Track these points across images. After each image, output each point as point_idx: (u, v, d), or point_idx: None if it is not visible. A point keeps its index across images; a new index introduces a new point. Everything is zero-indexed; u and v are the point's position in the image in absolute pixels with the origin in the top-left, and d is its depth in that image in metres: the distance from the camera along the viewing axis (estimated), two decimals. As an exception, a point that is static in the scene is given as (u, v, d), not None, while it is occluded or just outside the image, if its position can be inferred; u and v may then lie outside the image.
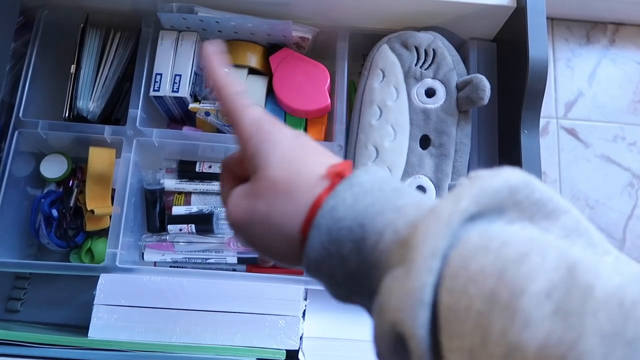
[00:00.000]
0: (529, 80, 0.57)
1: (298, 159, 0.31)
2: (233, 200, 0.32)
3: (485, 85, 0.55)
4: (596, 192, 0.82)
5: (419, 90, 0.58)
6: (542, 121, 0.81)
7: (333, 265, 0.28)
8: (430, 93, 0.58)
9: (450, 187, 0.55)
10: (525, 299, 0.20)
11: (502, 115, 0.64)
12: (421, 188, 0.55)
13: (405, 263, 0.24)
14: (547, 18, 0.86)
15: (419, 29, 0.63)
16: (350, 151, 0.59)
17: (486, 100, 0.55)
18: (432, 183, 0.54)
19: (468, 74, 0.66)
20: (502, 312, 0.20)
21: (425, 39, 0.60)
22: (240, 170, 0.35)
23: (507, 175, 0.25)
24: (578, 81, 0.87)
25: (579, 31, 0.89)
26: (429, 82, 0.58)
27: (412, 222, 0.26)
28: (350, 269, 0.28)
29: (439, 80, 0.58)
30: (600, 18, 0.89)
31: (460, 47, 0.70)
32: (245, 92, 0.35)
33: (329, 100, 0.63)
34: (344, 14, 0.64)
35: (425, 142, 0.57)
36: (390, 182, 0.30)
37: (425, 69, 0.59)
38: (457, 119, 0.57)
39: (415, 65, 0.59)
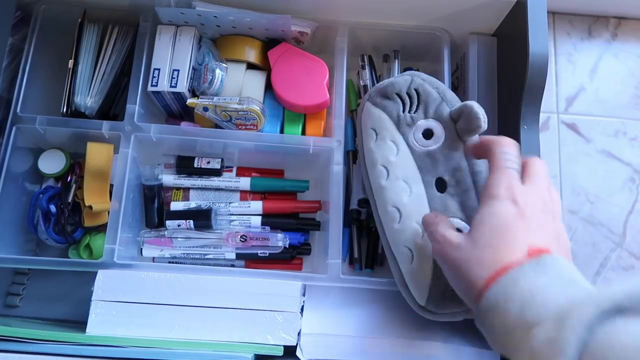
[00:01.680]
0: (529, 75, 0.56)
1: (508, 233, 0.41)
2: (444, 242, 0.44)
3: (477, 112, 0.51)
4: (597, 187, 0.82)
5: (416, 135, 0.54)
6: (542, 116, 0.80)
7: (496, 314, 0.37)
8: (428, 134, 0.55)
9: None
10: None
11: (501, 111, 0.63)
12: (457, 231, 0.52)
13: (555, 326, 0.32)
14: (549, 12, 0.85)
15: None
16: (375, 217, 0.56)
17: (485, 126, 0.52)
18: (464, 222, 0.51)
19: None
20: None
21: (403, 82, 0.56)
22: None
23: None
24: (579, 76, 0.86)
25: (581, 25, 0.89)
26: (423, 123, 0.55)
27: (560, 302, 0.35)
28: (508, 321, 0.36)
29: (432, 118, 0.55)
30: (603, 12, 0.88)
31: (460, 44, 0.70)
32: (515, 154, 0.46)
33: (328, 96, 0.63)
34: (343, 9, 0.64)
35: (441, 184, 0.53)
36: (570, 273, 0.38)
37: (414, 113, 0.55)
38: (464, 151, 0.54)
39: (403, 112, 0.55)
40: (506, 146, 0.46)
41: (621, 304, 0.30)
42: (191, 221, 0.62)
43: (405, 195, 0.53)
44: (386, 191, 0.54)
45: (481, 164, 0.53)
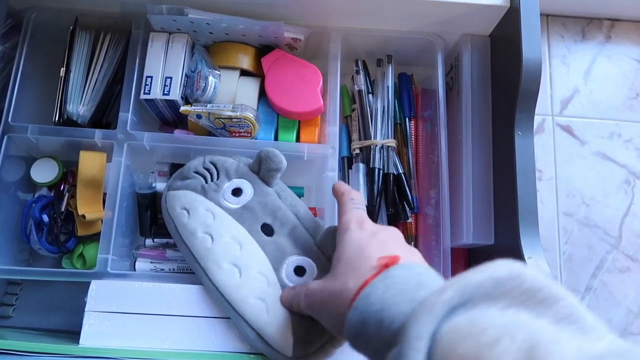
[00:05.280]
0: (522, 80, 0.56)
1: (363, 254, 0.41)
2: (309, 293, 0.45)
3: (273, 153, 0.55)
4: (592, 190, 0.82)
5: (226, 196, 0.55)
6: (537, 118, 0.80)
7: (364, 342, 0.37)
8: (237, 192, 0.56)
9: (318, 246, 0.54)
10: None
11: (495, 116, 0.63)
12: (299, 268, 0.52)
13: (398, 344, 0.31)
14: (542, 14, 0.85)
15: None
16: (209, 287, 0.53)
17: (285, 163, 0.55)
18: (303, 256, 0.53)
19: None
20: None
21: (197, 162, 0.57)
22: None
23: (492, 269, 0.31)
24: (574, 78, 0.87)
25: (575, 27, 0.89)
26: (229, 185, 0.56)
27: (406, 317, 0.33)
28: (374, 346, 0.36)
29: (235, 178, 0.56)
30: (596, 14, 0.89)
31: (453, 44, 0.70)
32: (360, 199, 0.50)
33: (322, 102, 0.62)
34: (336, 15, 0.64)
35: (267, 229, 0.54)
36: (418, 276, 0.37)
37: (217, 180, 0.56)
38: (276, 192, 0.56)
39: (206, 182, 0.56)
40: (352, 193, 0.50)
41: (454, 303, 0.30)
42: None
43: (237, 250, 0.53)
44: (215, 253, 0.52)
45: (295, 200, 0.57)
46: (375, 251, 0.41)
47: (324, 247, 0.53)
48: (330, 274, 0.44)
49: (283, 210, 0.55)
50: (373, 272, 0.39)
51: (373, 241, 0.42)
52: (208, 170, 0.57)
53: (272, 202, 0.55)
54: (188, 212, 0.55)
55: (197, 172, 0.57)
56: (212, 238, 0.53)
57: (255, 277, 0.51)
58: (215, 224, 0.54)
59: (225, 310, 0.51)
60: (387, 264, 0.39)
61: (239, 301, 0.50)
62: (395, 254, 0.40)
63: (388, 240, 0.43)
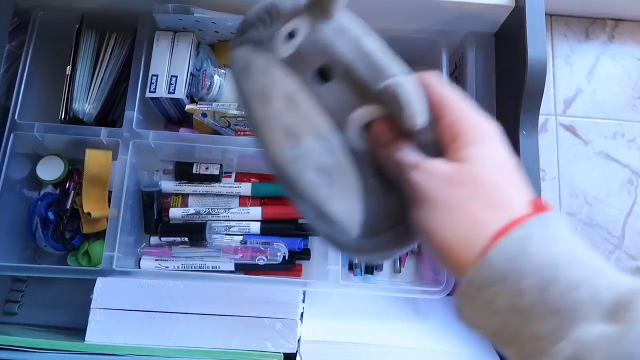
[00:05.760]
0: (527, 80, 0.56)
1: (508, 175, 0.31)
2: (432, 169, 0.32)
3: None
4: (595, 190, 0.82)
5: (279, 44, 0.43)
6: (541, 119, 0.80)
7: (501, 291, 0.28)
8: (292, 35, 0.43)
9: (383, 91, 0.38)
10: None
11: (500, 115, 0.63)
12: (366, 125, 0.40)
13: (621, 324, 0.24)
14: (546, 14, 0.85)
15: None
16: (265, 157, 0.43)
17: None
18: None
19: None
20: None
21: (253, 11, 0.44)
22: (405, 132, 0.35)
23: None
24: (577, 78, 0.87)
25: (578, 28, 0.89)
26: (283, 29, 0.42)
27: (618, 289, 0.26)
28: (520, 304, 0.27)
29: (291, 20, 0.42)
30: (600, 14, 0.89)
31: (458, 44, 0.70)
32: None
33: (327, 101, 0.62)
34: (341, 14, 0.64)
35: (324, 74, 0.42)
36: (579, 239, 0.29)
37: (271, 26, 0.44)
38: (336, 25, 0.42)
39: (261, 31, 0.44)
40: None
41: None
42: (186, 238, 0.62)
43: (291, 113, 0.41)
44: (268, 121, 0.42)
45: (362, 31, 0.41)
46: (519, 182, 0.31)
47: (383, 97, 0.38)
48: (452, 175, 0.31)
49: (339, 47, 0.41)
50: (526, 212, 0.29)
51: (512, 168, 0.32)
52: (261, 19, 0.44)
53: (327, 37, 0.42)
54: (244, 75, 0.44)
55: (252, 24, 0.45)
56: (264, 103, 0.42)
57: (313, 146, 0.40)
58: (268, 83, 0.43)
59: (285, 190, 0.42)
60: (543, 207, 0.30)
61: (295, 177, 0.41)
62: (547, 203, 0.30)
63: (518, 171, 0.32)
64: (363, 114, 0.39)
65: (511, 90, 0.60)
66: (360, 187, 0.39)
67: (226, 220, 0.64)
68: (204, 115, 0.61)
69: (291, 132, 0.42)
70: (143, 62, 0.62)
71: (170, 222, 0.65)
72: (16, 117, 0.60)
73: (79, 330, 0.55)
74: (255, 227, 0.64)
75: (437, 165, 0.32)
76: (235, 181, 0.67)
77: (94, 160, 0.61)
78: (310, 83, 0.42)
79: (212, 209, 0.65)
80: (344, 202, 0.40)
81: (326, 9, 0.43)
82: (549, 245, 0.28)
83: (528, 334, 0.27)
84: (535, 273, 0.27)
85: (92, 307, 0.54)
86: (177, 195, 0.66)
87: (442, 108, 0.35)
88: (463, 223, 0.30)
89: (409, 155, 0.34)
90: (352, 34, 0.42)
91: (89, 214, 0.60)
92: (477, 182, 0.30)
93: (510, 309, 0.27)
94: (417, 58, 0.70)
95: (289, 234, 0.65)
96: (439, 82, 0.35)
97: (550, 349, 0.26)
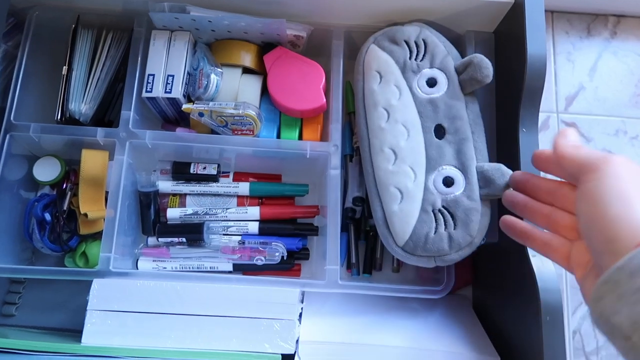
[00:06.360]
0: (527, 77, 0.56)
1: None
2: (623, 160, 0.36)
3: (487, 63, 0.55)
4: (598, 187, 0.81)
5: (419, 82, 0.57)
6: (542, 116, 0.79)
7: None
8: (431, 83, 0.57)
9: (477, 169, 0.54)
10: None
11: (500, 113, 0.62)
12: (448, 179, 0.53)
13: None
14: (547, 11, 0.84)
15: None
16: (365, 157, 0.57)
17: (491, 77, 0.55)
18: (458, 170, 0.53)
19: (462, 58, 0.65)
20: None
21: (412, 31, 0.59)
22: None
23: None
24: (579, 75, 0.86)
25: (580, 24, 0.88)
26: (428, 72, 0.57)
27: None
28: None
29: (437, 68, 0.57)
30: (602, 10, 0.88)
31: (457, 41, 0.69)
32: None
33: (325, 100, 0.62)
34: (339, 12, 0.63)
35: (440, 131, 0.55)
36: None
37: (420, 61, 0.58)
38: (465, 102, 0.56)
39: (410, 59, 0.58)
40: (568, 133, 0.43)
41: None
42: (184, 238, 0.62)
43: (403, 139, 0.55)
44: (385, 133, 0.56)
45: (478, 119, 0.56)
46: None
47: (481, 172, 0.53)
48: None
49: (463, 121, 0.55)
50: None
51: None
52: (417, 45, 0.58)
53: (457, 107, 0.56)
54: (380, 78, 0.58)
55: (407, 42, 0.58)
56: (388, 117, 0.56)
57: (405, 171, 0.54)
58: (397, 105, 0.56)
59: (369, 186, 0.56)
60: None
61: (383, 184, 0.55)
62: None
63: None
64: (451, 171, 0.53)
65: (511, 87, 0.59)
66: (417, 215, 0.53)
67: (224, 220, 0.64)
68: (201, 114, 0.61)
69: (396, 152, 0.55)
70: (139, 62, 0.62)
71: (168, 223, 0.64)
72: (12, 118, 0.60)
73: (76, 332, 0.55)
74: (253, 227, 0.64)
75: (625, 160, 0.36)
76: (233, 181, 0.66)
77: (90, 160, 0.61)
78: (427, 129, 0.55)
79: (209, 208, 0.64)
80: (402, 220, 0.53)
81: (465, 87, 0.56)
82: None
83: None
84: None
85: (87, 308, 0.53)
86: (174, 195, 0.66)
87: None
88: (633, 212, 0.32)
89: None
90: (472, 116, 0.55)
91: (86, 214, 0.60)
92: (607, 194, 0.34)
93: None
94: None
95: (288, 234, 0.65)
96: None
97: None
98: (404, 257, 0.53)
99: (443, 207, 0.53)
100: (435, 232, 0.52)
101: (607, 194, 0.34)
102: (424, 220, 0.52)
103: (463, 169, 0.54)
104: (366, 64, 0.59)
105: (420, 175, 0.54)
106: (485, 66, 0.55)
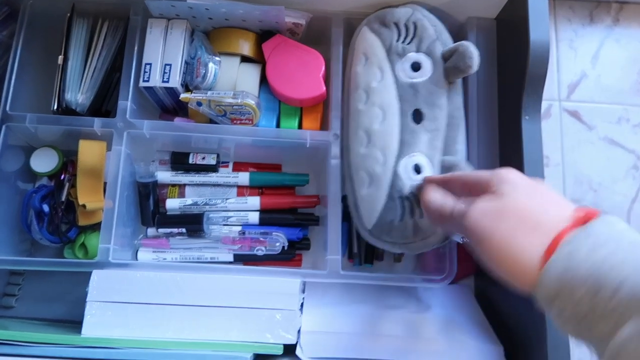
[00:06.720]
0: (529, 64, 0.55)
1: (541, 197, 0.37)
2: (478, 212, 0.38)
3: (472, 52, 0.53)
4: (600, 175, 0.80)
5: (404, 65, 0.56)
6: (544, 104, 0.78)
7: (564, 303, 0.32)
8: (416, 67, 0.56)
9: (442, 163, 0.53)
10: None
11: (502, 100, 0.62)
12: (417, 167, 0.53)
13: None
14: (549, -2, 0.83)
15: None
16: (345, 140, 0.57)
17: (475, 68, 0.53)
18: (428, 158, 0.53)
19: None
20: None
21: (403, 13, 0.58)
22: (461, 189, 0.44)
23: None
24: (581, 62, 0.85)
25: (582, 11, 0.87)
26: (413, 56, 0.56)
27: None
28: (580, 312, 0.31)
29: (423, 52, 0.56)
30: (604, -4, 0.87)
31: (458, 28, 0.68)
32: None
33: (324, 88, 0.61)
34: (338, -2, 0.62)
35: (418, 116, 0.55)
36: (627, 234, 0.32)
37: (407, 44, 0.57)
38: (447, 91, 0.55)
39: (397, 41, 0.57)
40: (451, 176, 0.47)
41: None
42: (183, 228, 0.61)
43: (377, 122, 0.54)
44: (361, 115, 0.55)
45: (458, 111, 0.55)
46: (555, 199, 0.36)
47: (443, 165, 0.54)
48: (497, 209, 0.37)
49: (442, 111, 0.55)
50: (566, 225, 0.33)
51: (543, 190, 0.37)
52: (407, 28, 0.57)
53: (438, 96, 0.55)
54: (365, 60, 0.57)
55: (396, 24, 0.58)
56: (366, 99, 0.55)
57: (375, 155, 0.53)
58: (377, 87, 0.55)
59: (345, 168, 0.57)
60: (586, 216, 0.33)
61: (354, 167, 0.55)
62: (593, 210, 0.34)
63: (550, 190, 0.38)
64: (422, 159, 0.53)
65: (513, 75, 0.59)
66: (384, 202, 0.52)
67: (224, 211, 0.63)
68: (199, 103, 0.60)
69: (369, 135, 0.54)
70: (136, 51, 0.61)
71: (167, 213, 0.64)
72: (8, 108, 0.59)
73: (76, 323, 0.55)
74: (254, 217, 0.63)
75: (482, 206, 0.38)
76: (233, 171, 0.66)
77: (88, 151, 0.60)
78: (404, 114, 0.54)
79: (209, 199, 0.64)
80: (370, 204, 0.53)
81: (449, 75, 0.55)
82: (593, 253, 0.31)
83: (595, 337, 0.30)
84: (584, 283, 0.30)
85: (87, 300, 0.53)
86: (173, 185, 0.65)
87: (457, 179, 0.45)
88: (517, 251, 0.34)
89: (458, 204, 0.41)
90: (453, 106, 0.54)
91: (84, 205, 0.59)
92: (517, 214, 0.36)
93: (574, 317, 0.31)
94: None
95: (288, 224, 0.64)
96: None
97: (605, 349, 0.29)
98: (372, 241, 0.54)
99: (411, 193, 0.52)
100: (401, 219, 0.52)
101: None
102: (390, 207, 0.52)
103: (431, 158, 0.53)
104: (356, 46, 0.59)
105: (390, 159, 0.53)
106: (469, 56, 0.53)
